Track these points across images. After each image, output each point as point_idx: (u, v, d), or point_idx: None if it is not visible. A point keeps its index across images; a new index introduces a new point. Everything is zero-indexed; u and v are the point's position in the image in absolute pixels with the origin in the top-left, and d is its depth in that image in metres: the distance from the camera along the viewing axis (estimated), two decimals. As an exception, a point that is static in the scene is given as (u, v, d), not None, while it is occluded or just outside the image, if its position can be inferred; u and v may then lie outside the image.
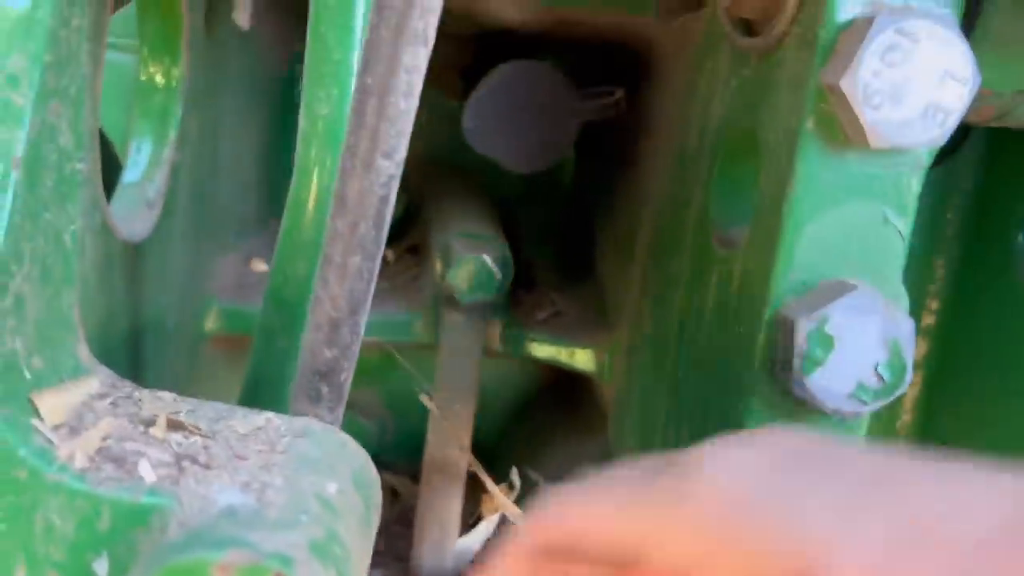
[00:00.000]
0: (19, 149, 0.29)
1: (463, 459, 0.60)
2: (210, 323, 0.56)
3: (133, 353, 0.44)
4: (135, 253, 0.43)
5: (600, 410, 0.64)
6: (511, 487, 0.63)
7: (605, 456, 0.62)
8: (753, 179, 0.41)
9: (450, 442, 0.59)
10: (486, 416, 0.77)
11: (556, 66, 0.62)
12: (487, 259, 0.56)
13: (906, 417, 0.52)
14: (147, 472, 0.29)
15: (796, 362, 0.36)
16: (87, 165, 0.34)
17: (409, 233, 0.73)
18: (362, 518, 0.33)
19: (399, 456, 0.77)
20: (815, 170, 0.36)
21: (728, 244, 0.43)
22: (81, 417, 0.31)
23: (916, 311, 0.52)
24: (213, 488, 0.29)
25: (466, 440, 0.60)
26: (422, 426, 0.63)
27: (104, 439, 0.30)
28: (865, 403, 0.36)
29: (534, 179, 0.74)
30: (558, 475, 0.67)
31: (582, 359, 0.61)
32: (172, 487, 0.29)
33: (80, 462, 0.29)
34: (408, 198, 0.72)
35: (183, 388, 0.54)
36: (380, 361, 0.76)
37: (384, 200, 0.32)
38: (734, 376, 0.40)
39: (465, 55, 0.71)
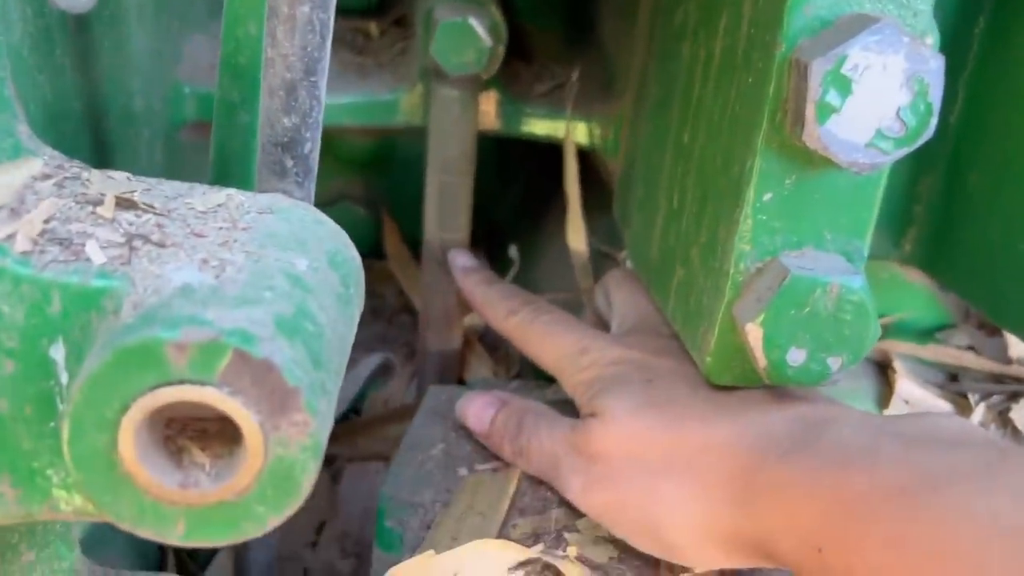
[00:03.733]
0: None
1: (461, 239, 0.58)
2: (183, 110, 0.52)
3: (95, 137, 0.41)
4: (81, 26, 0.39)
5: (607, 187, 0.62)
6: (511, 263, 0.62)
7: (612, 234, 0.60)
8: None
9: (447, 225, 0.57)
10: (491, 192, 0.75)
11: None
12: (473, 23, 0.51)
13: (928, 180, 0.49)
14: (95, 253, 0.27)
15: (809, 110, 0.32)
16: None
17: (396, 4, 0.68)
18: (340, 296, 0.31)
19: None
20: None
21: (737, -16, 0.38)
22: (23, 199, 0.29)
23: (959, 48, 0.47)
24: (168, 267, 0.27)
25: (464, 221, 0.58)
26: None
27: (47, 221, 0.28)
28: (886, 153, 0.33)
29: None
30: (557, 265, 0.65)
31: (584, 133, 0.57)
32: (124, 267, 0.27)
33: (22, 245, 0.27)
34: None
35: (162, 176, 0.51)
36: (374, 148, 0.73)
37: (330, -67, 0.27)
38: (742, 131, 0.36)
39: None
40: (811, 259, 0.36)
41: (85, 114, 0.39)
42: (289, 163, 0.32)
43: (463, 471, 0.47)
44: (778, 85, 0.34)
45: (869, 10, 0.33)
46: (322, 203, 0.83)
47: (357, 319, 0.33)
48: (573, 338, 0.45)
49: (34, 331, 0.26)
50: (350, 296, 0.32)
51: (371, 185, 0.77)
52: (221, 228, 0.29)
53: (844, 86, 0.32)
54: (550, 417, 0.43)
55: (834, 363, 0.37)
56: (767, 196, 0.35)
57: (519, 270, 0.64)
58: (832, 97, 0.32)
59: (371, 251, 0.75)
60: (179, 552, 0.54)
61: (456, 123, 0.54)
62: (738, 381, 0.39)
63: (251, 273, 0.27)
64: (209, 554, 0.55)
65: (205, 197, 0.31)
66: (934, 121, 0.33)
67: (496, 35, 0.53)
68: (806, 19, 0.33)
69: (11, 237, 0.27)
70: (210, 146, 0.37)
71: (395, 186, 0.76)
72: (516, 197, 0.81)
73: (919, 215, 0.51)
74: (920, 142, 0.33)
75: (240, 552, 0.49)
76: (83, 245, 0.27)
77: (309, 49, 0.29)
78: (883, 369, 0.58)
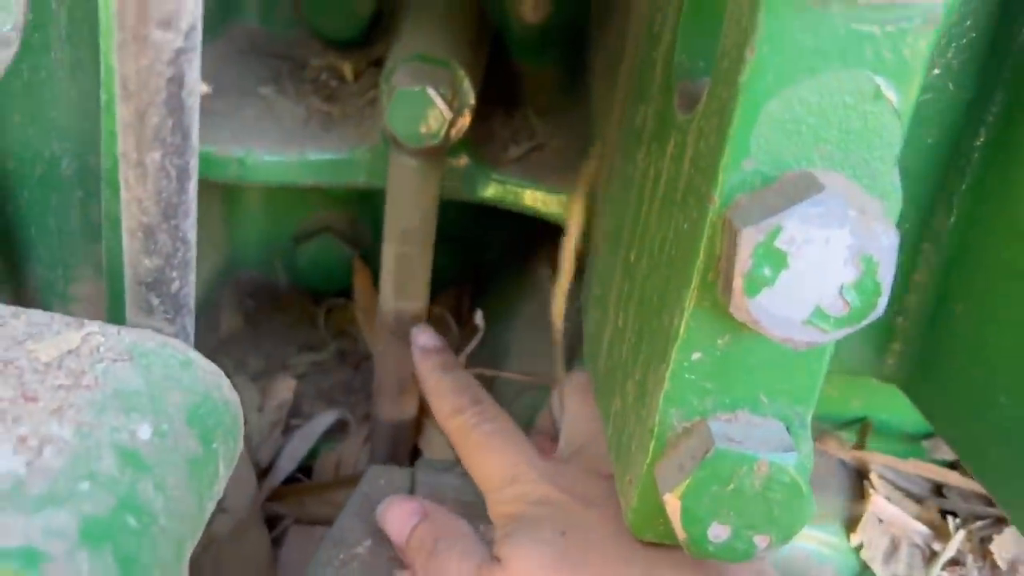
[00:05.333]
0: None
1: (417, 310, 0.54)
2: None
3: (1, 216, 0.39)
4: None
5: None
6: (475, 330, 0.59)
7: (576, 313, 0.56)
8: (721, 20, 0.31)
9: (403, 295, 0.54)
10: (479, 230, 0.71)
11: None
12: (432, 93, 0.47)
13: (915, 296, 0.44)
14: (-99, 426, 0.25)
15: (737, 282, 0.28)
16: None
17: (378, 40, 0.64)
18: (193, 460, 0.28)
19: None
20: (785, 26, 0.27)
21: (689, 103, 0.34)
22: None
23: (959, 157, 0.43)
24: (-24, 448, 0.24)
25: (422, 291, 0.54)
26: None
27: None
28: (824, 331, 0.29)
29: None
30: (533, 322, 0.62)
31: (554, 206, 0.54)
32: (-69, 445, 0.24)
33: None
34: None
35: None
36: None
37: (176, 81, 0.24)
38: (675, 280, 0.32)
39: None
40: (744, 425, 0.33)
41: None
42: (155, 301, 0.29)
43: None
44: (711, 242, 0.30)
45: (819, 167, 0.29)
46: (304, 234, 0.80)
47: (225, 468, 0.30)
48: (506, 461, 0.42)
49: None
50: (211, 453, 0.29)
51: (357, 220, 0.74)
52: (59, 387, 0.27)
53: (778, 259, 0.28)
54: (464, 546, 0.40)
55: (761, 542, 0.33)
56: (696, 355, 0.32)
57: (496, 316, 0.61)
58: (764, 270, 0.28)
59: (349, 288, 0.73)
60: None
61: (414, 194, 0.51)
62: (662, 539, 0.35)
63: (73, 456, 0.25)
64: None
65: (58, 339, 0.28)
66: (884, 300, 0.29)
67: (460, 103, 0.49)
68: (744, 174, 0.29)
69: None
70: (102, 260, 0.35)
71: (380, 224, 0.73)
72: (505, 234, 0.77)
73: (903, 329, 0.47)
74: (866, 322, 0.29)
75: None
76: None
77: (165, 195, 0.26)
78: (860, 477, 0.54)
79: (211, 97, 0.57)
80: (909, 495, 0.53)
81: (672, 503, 0.32)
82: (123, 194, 0.27)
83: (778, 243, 0.28)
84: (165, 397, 0.28)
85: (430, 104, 0.47)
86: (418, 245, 0.52)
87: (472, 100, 0.50)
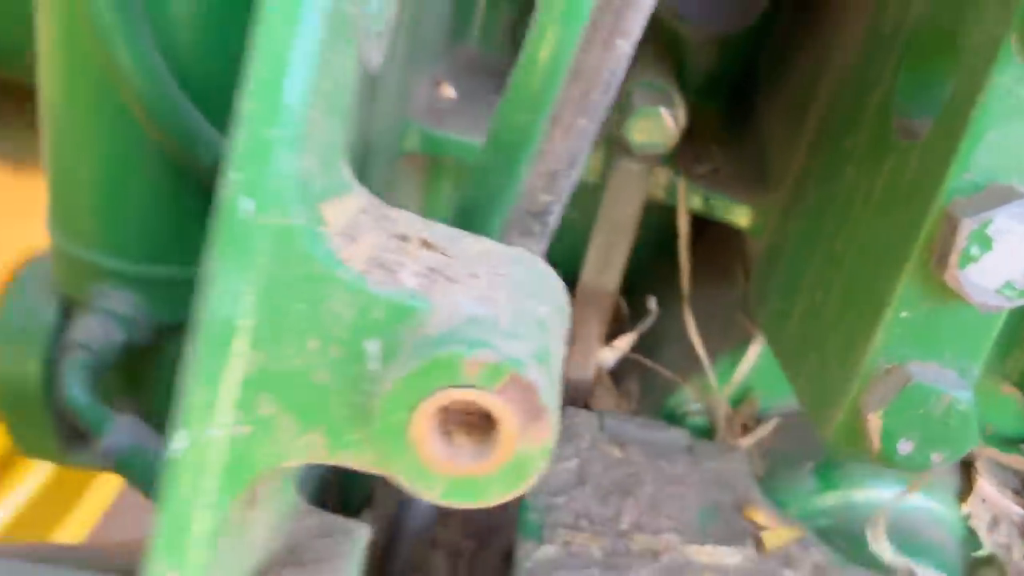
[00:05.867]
0: None
1: (612, 288, 0.67)
2: (408, 143, 0.63)
3: (360, 172, 0.51)
4: (370, 82, 0.49)
5: (741, 263, 0.70)
6: (647, 313, 0.70)
7: (740, 306, 0.68)
8: (943, 76, 0.44)
9: (604, 273, 0.66)
10: (634, 254, 0.83)
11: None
12: (664, 112, 0.60)
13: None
14: (408, 279, 0.37)
15: (953, 257, 0.40)
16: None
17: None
18: (562, 339, 0.40)
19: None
20: (1010, 82, 0.39)
21: (907, 134, 0.46)
22: (354, 228, 0.39)
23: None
24: (457, 298, 0.36)
25: (618, 274, 0.67)
26: (574, 253, 0.69)
27: (373, 248, 0.38)
28: (1009, 299, 0.41)
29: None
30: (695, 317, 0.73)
31: (738, 215, 0.66)
32: (427, 293, 0.37)
33: (358, 265, 0.37)
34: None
35: (383, 196, 0.62)
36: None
37: (614, 73, 0.37)
38: (892, 258, 0.44)
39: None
40: (932, 371, 0.44)
41: (359, 154, 0.50)
42: (536, 228, 0.41)
43: (588, 490, 0.56)
44: (931, 229, 0.42)
45: (1016, 183, 0.41)
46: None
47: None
48: None
49: (359, 330, 0.36)
50: (560, 340, 0.41)
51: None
52: (487, 272, 0.39)
53: (985, 243, 0.40)
54: None
55: (936, 458, 0.44)
56: (904, 314, 0.43)
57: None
58: (974, 250, 0.40)
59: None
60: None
61: (631, 191, 0.63)
62: (851, 456, 0.47)
63: (512, 313, 0.37)
64: (359, 506, 0.65)
65: (472, 244, 0.41)
66: (1055, 282, 0.40)
67: (678, 121, 0.61)
68: (963, 182, 0.41)
69: (351, 259, 0.37)
70: (460, 194, 0.47)
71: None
72: (649, 252, 0.89)
73: (1024, 339, 0.58)
74: (1041, 296, 0.41)
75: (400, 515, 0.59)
76: (399, 272, 0.37)
77: (575, 149, 0.39)
78: (967, 466, 0.65)
79: (456, 100, 0.70)
80: (1006, 485, 0.64)
81: (874, 421, 0.44)
82: (542, 145, 0.39)
83: (988, 231, 0.39)
84: (544, 293, 0.40)
85: (661, 120, 0.60)
86: (624, 234, 0.65)
87: (684, 121, 0.62)
